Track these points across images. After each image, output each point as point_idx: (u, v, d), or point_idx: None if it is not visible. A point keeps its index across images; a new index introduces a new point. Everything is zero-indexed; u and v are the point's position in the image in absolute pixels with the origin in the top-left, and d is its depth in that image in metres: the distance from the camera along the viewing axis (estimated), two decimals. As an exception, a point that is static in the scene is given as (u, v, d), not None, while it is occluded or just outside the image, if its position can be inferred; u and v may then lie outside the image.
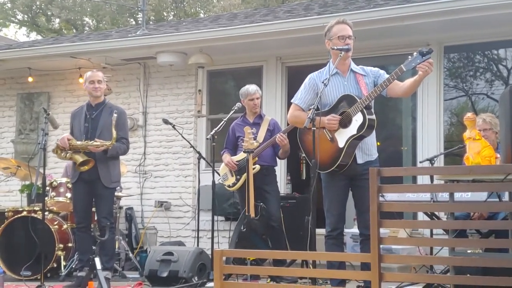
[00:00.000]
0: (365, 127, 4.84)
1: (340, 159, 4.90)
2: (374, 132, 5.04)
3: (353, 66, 5.13)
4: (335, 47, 5.03)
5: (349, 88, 5.04)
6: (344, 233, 5.20)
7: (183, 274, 6.26)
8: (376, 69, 5.14)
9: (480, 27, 7.28)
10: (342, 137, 4.92)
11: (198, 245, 7.14)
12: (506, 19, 6.94)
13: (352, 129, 4.88)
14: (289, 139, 6.53)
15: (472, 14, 6.96)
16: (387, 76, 4.95)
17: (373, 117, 4.94)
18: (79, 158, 6.21)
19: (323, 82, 4.95)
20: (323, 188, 5.12)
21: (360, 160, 4.98)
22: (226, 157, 6.68)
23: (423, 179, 6.94)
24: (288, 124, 6.13)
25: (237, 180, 6.56)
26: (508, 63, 7.77)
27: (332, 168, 4.95)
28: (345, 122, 4.91)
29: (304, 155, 5.34)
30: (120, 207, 8.09)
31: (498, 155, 4.63)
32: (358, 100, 4.86)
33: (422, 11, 7.15)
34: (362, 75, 5.08)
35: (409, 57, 4.75)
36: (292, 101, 5.21)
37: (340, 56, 5.00)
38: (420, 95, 7.69)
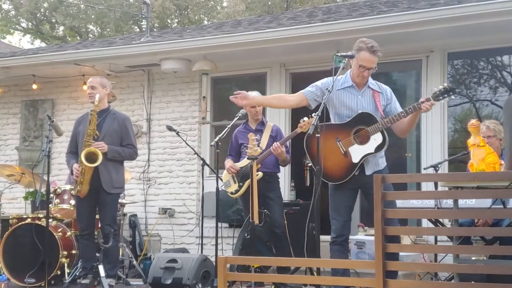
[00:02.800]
0: (384, 147, 4.95)
1: (353, 173, 4.97)
2: None
3: (371, 81, 5.16)
4: (339, 53, 5.08)
5: (363, 103, 5.09)
6: (348, 240, 5.19)
7: (187, 282, 6.25)
8: (389, 90, 5.21)
9: (483, 34, 7.28)
10: (357, 153, 4.99)
11: (202, 252, 7.13)
12: (510, 25, 6.93)
13: (370, 147, 4.97)
14: (293, 147, 6.53)
15: (476, 20, 6.96)
16: (397, 105, 5.13)
17: (387, 138, 5.03)
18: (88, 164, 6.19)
19: (327, 89, 4.97)
20: (329, 194, 5.14)
21: (368, 172, 5.03)
22: (228, 162, 6.67)
23: (427, 186, 6.92)
24: (291, 131, 6.13)
25: (240, 187, 6.56)
26: (512, 69, 7.77)
27: (345, 180, 5.00)
28: (362, 139, 4.98)
29: (309, 162, 5.34)
30: (124, 214, 8.09)
31: (503, 162, 4.62)
32: (379, 121, 4.96)
33: (426, 18, 7.14)
34: (378, 92, 5.13)
35: (436, 90, 4.89)
36: (301, 91, 5.25)
37: (344, 62, 5.03)
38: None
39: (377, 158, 5.08)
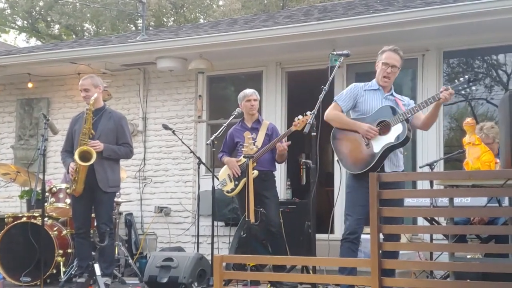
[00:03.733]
0: (404, 137, 5.03)
1: (374, 163, 5.05)
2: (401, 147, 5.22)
3: (394, 92, 5.36)
4: (335, 52, 5.13)
5: (387, 104, 5.24)
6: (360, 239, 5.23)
7: (183, 280, 6.25)
8: (412, 102, 5.38)
9: (479, 33, 7.29)
10: (378, 143, 5.08)
11: (198, 250, 7.13)
12: (506, 24, 6.94)
13: (391, 137, 5.06)
14: (289, 145, 6.53)
15: (471, 19, 6.97)
16: (419, 113, 5.22)
17: (411, 129, 5.15)
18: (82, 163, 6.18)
19: (322, 88, 5.00)
20: (346, 193, 5.24)
21: (387, 169, 5.12)
22: (232, 160, 6.66)
23: (423, 184, 6.93)
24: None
25: (236, 185, 6.56)
26: (507, 68, 7.77)
27: (364, 170, 5.06)
28: (383, 130, 5.09)
29: (304, 160, 5.38)
30: (120, 213, 8.07)
31: (498, 161, 4.63)
32: (399, 112, 5.08)
33: (422, 17, 7.16)
34: (401, 100, 5.31)
35: (456, 81, 4.98)
36: (335, 99, 5.33)
37: (340, 61, 5.08)
38: (420, 100, 7.68)
39: (397, 156, 5.19)
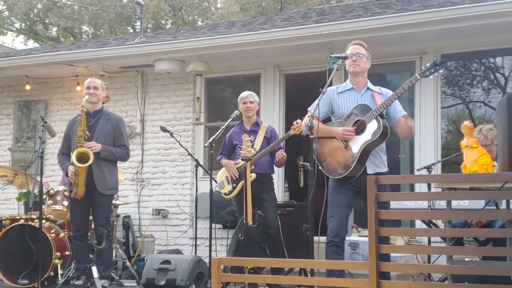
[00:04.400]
0: (380, 133, 4.96)
1: (354, 164, 4.99)
2: (384, 146, 5.15)
3: (370, 85, 5.27)
4: (333, 55, 5.12)
5: (364, 103, 5.17)
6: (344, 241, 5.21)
7: (180, 283, 6.24)
8: (391, 93, 5.23)
9: (477, 36, 7.30)
10: (356, 143, 5.03)
11: (195, 253, 7.12)
12: (504, 27, 6.96)
13: (367, 135, 5.01)
14: (287, 148, 6.55)
15: (470, 22, 6.98)
16: (399, 107, 5.17)
17: (387, 125, 5.06)
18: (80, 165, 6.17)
19: (320, 90, 4.99)
20: (328, 194, 5.17)
21: (370, 171, 5.05)
22: (230, 163, 6.66)
23: (420, 187, 6.93)
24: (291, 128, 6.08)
25: (233, 188, 6.56)
26: (505, 71, 7.79)
27: (345, 174, 5.02)
28: (359, 130, 5.03)
29: (302, 162, 5.38)
30: (117, 215, 8.07)
31: (496, 163, 4.63)
32: (373, 108, 5.02)
33: (420, 20, 7.17)
34: (378, 93, 5.21)
35: (423, 67, 4.91)
36: (308, 109, 5.27)
37: (338, 64, 5.07)
38: (418, 102, 7.70)
39: (378, 157, 5.11)
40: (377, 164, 5.12)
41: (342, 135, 5.05)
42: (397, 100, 5.16)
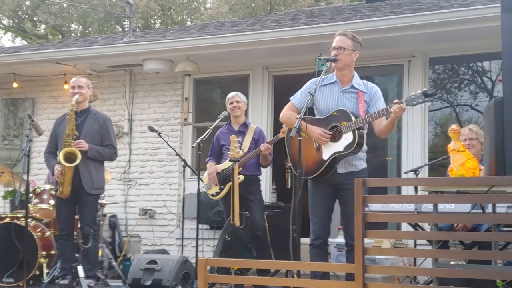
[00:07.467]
0: (353, 148, 4.85)
1: (321, 170, 4.93)
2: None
3: (356, 81, 5.10)
4: (322, 57, 5.10)
5: (344, 101, 5.01)
6: (328, 243, 5.20)
7: (166, 283, 6.23)
8: (375, 89, 5.11)
9: (465, 40, 7.34)
10: (328, 150, 4.92)
11: (182, 253, 7.11)
12: (491, 31, 6.99)
13: (340, 146, 4.88)
14: (274, 150, 6.55)
15: (457, 26, 7.02)
16: (380, 104, 4.97)
17: (363, 135, 4.94)
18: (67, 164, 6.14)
19: (309, 92, 4.97)
20: (308, 196, 5.13)
21: (341, 170, 4.97)
22: (211, 166, 6.66)
23: (407, 190, 6.96)
24: (283, 127, 6.04)
25: (221, 189, 6.55)
26: (492, 75, 7.84)
27: (313, 176, 4.96)
28: (334, 137, 4.92)
29: (289, 164, 5.35)
30: (104, 215, 8.04)
31: (482, 167, 4.66)
32: (353, 120, 4.85)
33: (408, 23, 7.20)
34: (363, 92, 5.04)
35: (413, 94, 4.75)
36: (290, 98, 5.21)
37: (327, 66, 5.04)
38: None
39: (351, 158, 4.99)
40: (350, 162, 4.98)
41: (318, 137, 4.93)
42: (381, 96, 5.05)
